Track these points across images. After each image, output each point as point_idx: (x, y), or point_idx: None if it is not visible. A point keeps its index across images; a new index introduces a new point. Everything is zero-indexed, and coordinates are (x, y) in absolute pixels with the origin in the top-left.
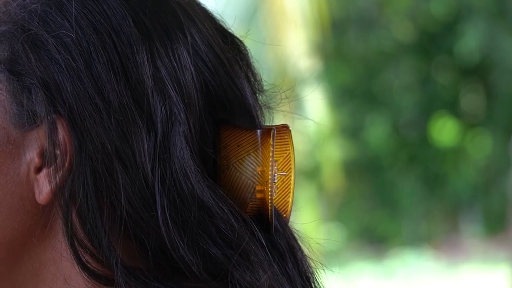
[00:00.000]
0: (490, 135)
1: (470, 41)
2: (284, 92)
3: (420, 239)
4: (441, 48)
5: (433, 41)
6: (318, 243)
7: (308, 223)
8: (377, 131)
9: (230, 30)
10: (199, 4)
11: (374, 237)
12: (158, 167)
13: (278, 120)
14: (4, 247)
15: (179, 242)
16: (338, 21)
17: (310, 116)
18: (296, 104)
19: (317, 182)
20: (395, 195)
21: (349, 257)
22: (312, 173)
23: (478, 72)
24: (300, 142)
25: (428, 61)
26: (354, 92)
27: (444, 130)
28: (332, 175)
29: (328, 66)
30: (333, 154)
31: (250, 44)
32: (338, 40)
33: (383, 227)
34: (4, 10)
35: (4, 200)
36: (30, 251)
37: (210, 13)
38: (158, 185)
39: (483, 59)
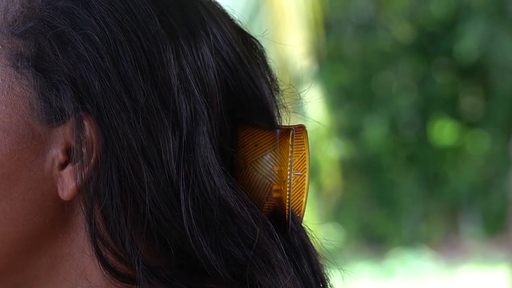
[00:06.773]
0: (489, 135)
1: (469, 41)
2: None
3: (419, 239)
4: (440, 48)
5: (432, 41)
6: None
7: (308, 223)
8: (376, 131)
9: (247, 30)
10: (217, 4)
11: (373, 237)
12: (182, 166)
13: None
14: (23, 241)
15: (202, 242)
16: (336, 21)
17: (308, 116)
18: (296, 104)
19: (316, 182)
20: (394, 195)
21: (348, 257)
22: (311, 173)
23: (477, 72)
24: None
25: (427, 61)
26: (353, 92)
27: (443, 130)
28: (330, 175)
29: (327, 66)
30: (332, 154)
31: None
32: (337, 40)
33: (382, 227)
34: (29, 6)
35: (27, 195)
36: (47, 245)
37: (228, 14)
38: (182, 184)
39: (482, 59)
